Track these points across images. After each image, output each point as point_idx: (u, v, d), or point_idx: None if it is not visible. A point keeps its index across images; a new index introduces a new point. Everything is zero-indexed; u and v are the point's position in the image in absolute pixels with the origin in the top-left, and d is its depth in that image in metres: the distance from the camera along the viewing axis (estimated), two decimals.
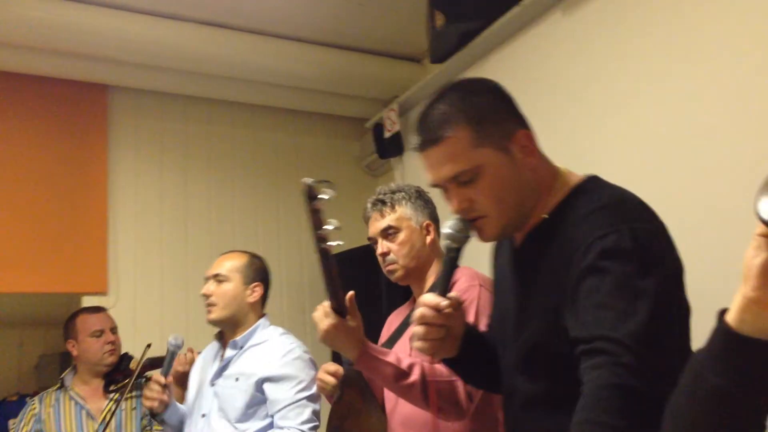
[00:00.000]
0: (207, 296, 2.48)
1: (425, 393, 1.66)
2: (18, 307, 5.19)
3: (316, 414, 2.37)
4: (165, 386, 2.43)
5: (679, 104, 2.49)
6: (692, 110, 2.44)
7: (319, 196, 1.49)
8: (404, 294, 2.20)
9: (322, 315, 1.62)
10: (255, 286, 2.53)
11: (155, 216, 3.98)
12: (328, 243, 1.54)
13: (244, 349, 2.47)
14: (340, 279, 1.60)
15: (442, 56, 3.54)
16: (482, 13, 3.31)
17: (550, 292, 1.23)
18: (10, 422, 3.86)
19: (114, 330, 3.05)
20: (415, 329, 1.33)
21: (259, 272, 2.58)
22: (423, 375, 1.66)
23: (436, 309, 1.32)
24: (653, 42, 2.60)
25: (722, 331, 0.78)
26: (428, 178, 1.34)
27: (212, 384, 2.45)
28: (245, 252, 2.63)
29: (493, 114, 1.31)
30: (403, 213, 2.04)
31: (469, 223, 1.32)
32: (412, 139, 1.30)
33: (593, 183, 1.33)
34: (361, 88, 4.23)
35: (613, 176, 1.36)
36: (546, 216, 1.31)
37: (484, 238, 1.34)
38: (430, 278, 2.03)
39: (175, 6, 3.56)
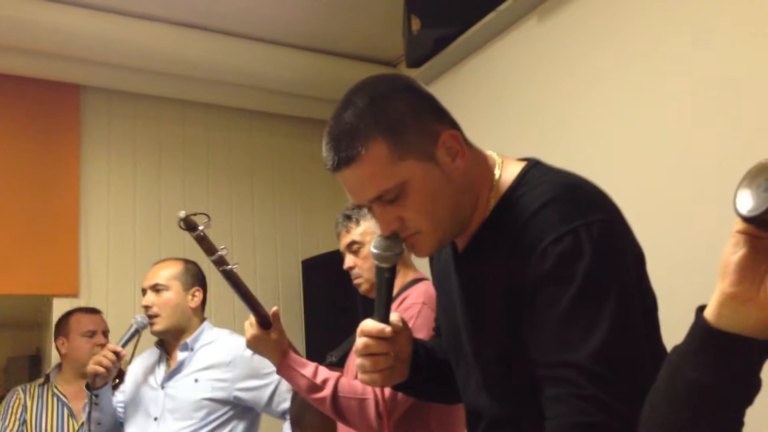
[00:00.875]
0: (148, 307, 2.45)
1: (335, 408, 1.75)
2: None
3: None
4: (118, 358, 2.36)
5: (650, 107, 2.54)
6: (664, 112, 2.48)
7: (199, 227, 1.56)
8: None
9: (248, 326, 1.78)
10: (195, 291, 2.53)
11: (128, 217, 3.94)
12: (228, 266, 1.67)
13: (195, 350, 2.48)
14: (253, 295, 1.76)
15: (418, 61, 3.56)
16: (458, 19, 3.33)
17: (504, 302, 1.11)
18: None
19: (106, 334, 3.07)
20: (360, 361, 1.21)
21: (196, 277, 2.57)
22: (334, 391, 1.74)
23: (380, 337, 1.20)
24: (627, 47, 2.65)
25: (700, 327, 0.78)
26: (351, 198, 1.18)
27: (162, 387, 2.44)
28: (178, 258, 2.61)
29: (411, 118, 1.13)
30: (367, 227, 2.06)
31: (398, 239, 1.18)
32: (324, 157, 1.14)
33: (536, 170, 1.18)
34: (336, 91, 4.17)
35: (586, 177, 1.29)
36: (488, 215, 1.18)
37: (420, 254, 1.22)
38: (395, 290, 2.05)
39: (150, 6, 3.54)
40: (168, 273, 2.50)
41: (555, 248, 1.03)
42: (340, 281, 3.77)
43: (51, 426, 2.86)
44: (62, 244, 3.69)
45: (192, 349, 2.47)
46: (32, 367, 5.30)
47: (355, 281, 2.07)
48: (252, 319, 1.77)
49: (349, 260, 2.07)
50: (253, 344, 1.78)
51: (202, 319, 2.55)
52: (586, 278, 1.01)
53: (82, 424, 2.84)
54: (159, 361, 2.52)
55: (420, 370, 1.34)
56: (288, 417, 2.43)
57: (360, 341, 1.21)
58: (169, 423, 2.37)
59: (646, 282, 1.12)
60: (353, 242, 2.06)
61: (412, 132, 1.12)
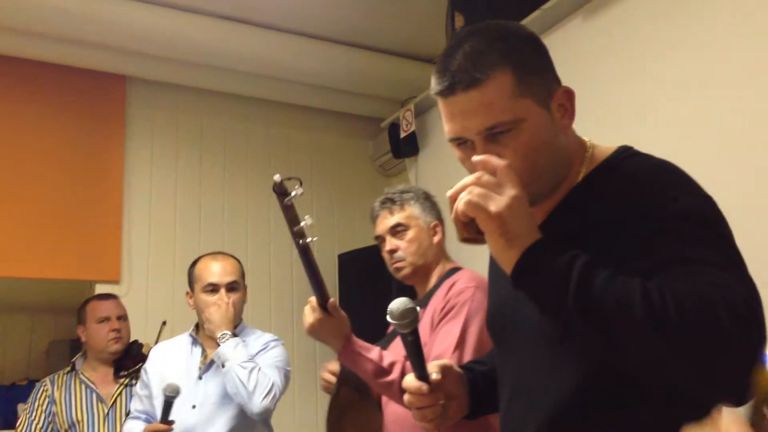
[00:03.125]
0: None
1: (403, 392, 1.66)
2: (31, 293, 5.21)
3: (285, 376, 2.46)
4: None
5: (698, 106, 2.50)
6: (712, 113, 2.44)
7: (292, 193, 1.47)
8: (413, 294, 2.20)
9: (309, 310, 1.69)
10: (245, 291, 2.62)
11: (169, 207, 4.01)
12: (306, 239, 1.57)
13: None
14: (321, 275, 1.64)
15: None
16: (502, 16, 3.29)
17: (610, 255, 1.01)
18: (20, 406, 3.89)
19: (121, 318, 3.04)
20: (412, 412, 1.27)
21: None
22: (402, 374, 1.66)
23: (420, 394, 1.23)
24: (673, 46, 2.61)
25: None
26: (451, 129, 1.10)
27: (201, 378, 2.47)
28: (233, 256, 2.66)
29: (537, 63, 1.11)
30: (412, 212, 2.07)
31: (412, 307, 1.20)
32: (435, 81, 1.09)
33: (633, 151, 1.18)
34: (377, 87, 4.24)
35: None
36: (581, 181, 1.15)
37: None
38: (434, 279, 2.06)
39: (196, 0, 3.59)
40: (239, 272, 2.59)
41: (685, 199, 1.04)
42: (375, 276, 3.79)
43: (81, 412, 2.90)
44: (105, 231, 3.76)
45: None
46: (73, 351, 5.40)
47: (396, 264, 2.05)
48: (312, 303, 1.68)
49: (391, 243, 2.05)
50: (316, 328, 1.68)
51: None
52: (721, 226, 1.04)
53: (111, 405, 2.89)
54: (191, 351, 2.55)
55: (481, 397, 1.33)
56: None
57: (405, 397, 1.26)
58: (208, 408, 2.42)
59: None
60: (398, 224, 2.05)
61: (536, 75, 1.10)
